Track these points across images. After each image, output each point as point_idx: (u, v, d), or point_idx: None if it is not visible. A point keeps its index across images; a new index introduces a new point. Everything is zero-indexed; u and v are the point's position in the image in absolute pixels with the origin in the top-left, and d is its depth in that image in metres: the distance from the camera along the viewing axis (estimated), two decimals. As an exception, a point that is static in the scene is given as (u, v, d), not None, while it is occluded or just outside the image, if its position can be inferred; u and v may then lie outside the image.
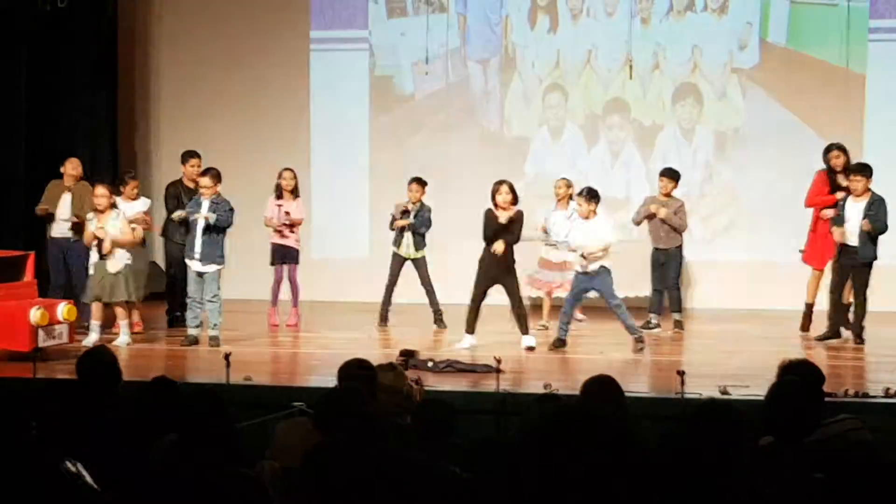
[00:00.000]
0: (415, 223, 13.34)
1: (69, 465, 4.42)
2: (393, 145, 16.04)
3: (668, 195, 13.27)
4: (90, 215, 12.07)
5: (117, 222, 11.98)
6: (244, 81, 16.17)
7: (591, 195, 11.96)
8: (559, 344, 11.74)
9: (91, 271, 12.05)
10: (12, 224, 14.20)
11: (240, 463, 5.00)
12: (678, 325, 13.15)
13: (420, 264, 13.46)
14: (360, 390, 6.04)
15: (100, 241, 11.91)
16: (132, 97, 16.60)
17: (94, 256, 12.03)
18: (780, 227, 14.57)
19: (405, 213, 13.44)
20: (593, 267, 11.75)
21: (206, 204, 12.13)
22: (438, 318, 13.38)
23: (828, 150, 12.84)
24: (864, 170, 12.19)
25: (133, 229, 12.21)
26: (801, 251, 13.02)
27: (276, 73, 16.12)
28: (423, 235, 13.45)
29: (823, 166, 12.82)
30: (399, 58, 16.04)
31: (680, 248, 13.29)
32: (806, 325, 12.79)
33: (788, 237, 13.94)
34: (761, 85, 15.29)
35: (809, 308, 12.82)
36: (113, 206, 12.10)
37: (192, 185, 13.07)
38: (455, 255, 13.71)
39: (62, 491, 3.96)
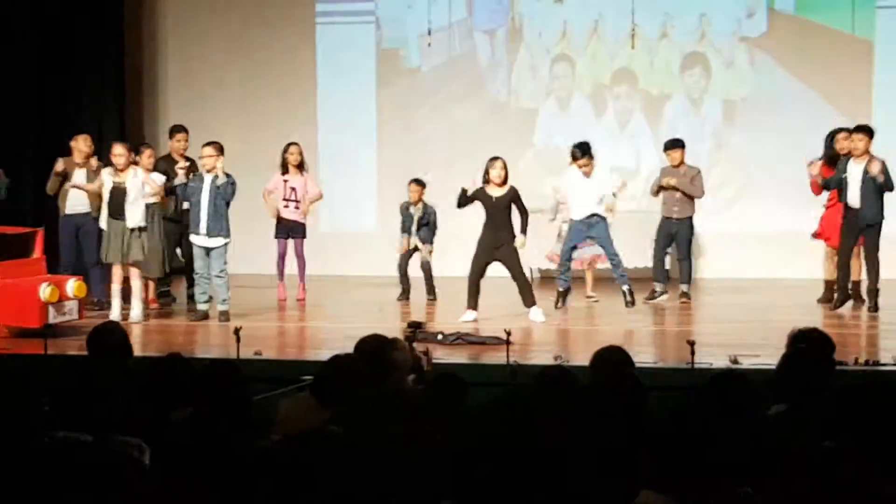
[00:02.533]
0: (423, 217, 13.35)
1: None
2: (400, 118, 16.02)
3: (680, 164, 13.22)
4: (108, 170, 12.09)
5: (137, 180, 12.00)
6: (251, 55, 16.14)
7: (585, 150, 12.11)
8: (563, 294, 11.83)
9: (105, 228, 12.03)
10: (22, 201, 14.19)
11: (255, 435, 5.02)
12: (685, 296, 13.14)
13: (424, 256, 13.48)
14: (355, 360, 6.06)
15: (115, 200, 11.92)
16: (139, 73, 16.57)
17: (104, 214, 12.03)
18: (790, 196, 14.53)
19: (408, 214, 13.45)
20: (587, 211, 11.88)
21: (208, 178, 12.10)
22: (431, 293, 13.42)
23: (837, 131, 12.66)
24: (866, 129, 12.10)
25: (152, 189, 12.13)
26: (812, 235, 12.92)
27: (282, 46, 16.08)
28: (433, 233, 13.50)
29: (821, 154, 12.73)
30: (406, 30, 16.00)
31: (691, 218, 13.25)
32: (828, 297, 12.67)
33: (798, 206, 13.90)
34: (769, 53, 15.23)
35: (829, 285, 12.69)
36: (132, 163, 12.13)
37: (179, 160, 13.08)
38: (460, 227, 13.69)
39: (73, 467, 3.97)
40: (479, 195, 11.95)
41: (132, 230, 11.93)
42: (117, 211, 11.95)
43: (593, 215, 12.02)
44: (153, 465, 4.19)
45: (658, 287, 13.20)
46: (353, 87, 16.08)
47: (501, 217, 11.88)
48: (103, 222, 12.07)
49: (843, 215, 12.13)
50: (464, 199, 11.95)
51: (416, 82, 16.07)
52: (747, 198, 15.22)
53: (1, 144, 14.40)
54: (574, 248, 12.26)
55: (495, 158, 12.08)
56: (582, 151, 12.33)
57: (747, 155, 15.26)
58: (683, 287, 13.22)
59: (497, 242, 11.87)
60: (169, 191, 12.69)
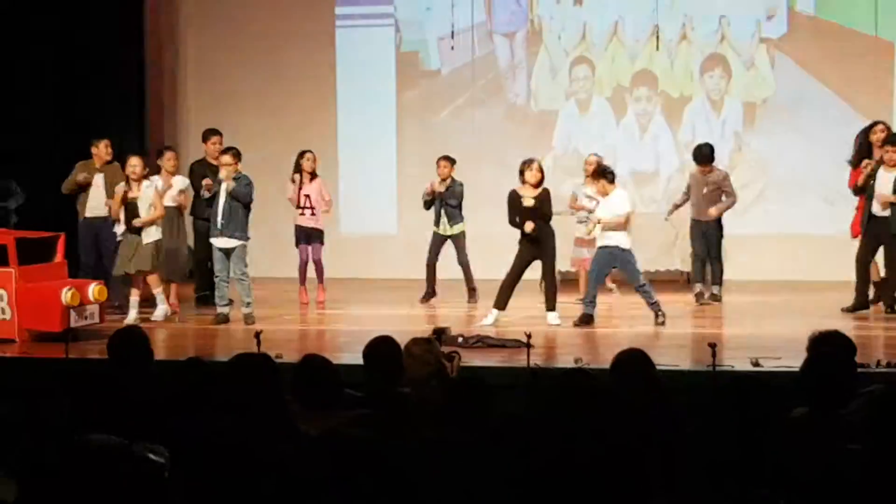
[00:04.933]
0: (445, 193, 13.34)
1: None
2: (420, 120, 16.03)
3: (710, 171, 13.19)
4: (119, 186, 12.15)
5: (149, 193, 12.04)
6: (271, 59, 16.17)
7: (598, 174, 11.98)
8: (587, 319, 11.71)
9: (120, 238, 12.09)
10: (43, 206, 14.24)
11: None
12: (715, 297, 13.12)
13: (458, 240, 13.47)
14: (325, 362, 6.06)
15: (129, 213, 11.96)
16: (160, 77, 16.62)
17: (120, 229, 12.07)
18: (811, 198, 14.50)
19: (432, 193, 13.45)
20: (611, 241, 11.74)
21: (224, 184, 12.12)
22: (472, 295, 13.41)
23: (874, 124, 12.62)
24: None
25: (155, 207, 12.16)
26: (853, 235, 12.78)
27: (302, 49, 16.11)
28: (458, 209, 13.45)
29: (854, 140, 12.66)
30: (425, 33, 16.02)
31: (719, 219, 13.26)
32: (875, 298, 12.57)
33: (819, 207, 13.86)
34: (790, 55, 15.19)
35: (876, 285, 12.58)
36: (145, 177, 12.16)
37: (215, 163, 13.14)
38: (482, 229, 13.70)
39: (95, 471, 3.97)
40: (513, 198, 11.90)
41: (147, 244, 11.98)
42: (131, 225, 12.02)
43: (617, 246, 11.83)
44: (175, 471, 4.20)
45: (702, 288, 13.17)
46: (373, 89, 16.10)
47: (536, 218, 11.85)
48: (119, 230, 12.11)
49: (866, 223, 12.04)
50: (513, 215, 11.89)
51: (436, 85, 16.08)
52: (768, 199, 15.17)
53: (22, 149, 14.46)
54: (601, 280, 12.01)
55: (531, 161, 12.00)
56: (600, 175, 12.12)
57: (768, 157, 15.22)
58: (714, 289, 13.21)
59: (539, 243, 11.82)
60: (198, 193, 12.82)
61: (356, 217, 15.95)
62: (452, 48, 15.03)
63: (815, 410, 5.23)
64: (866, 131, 12.60)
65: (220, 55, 16.39)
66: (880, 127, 12.51)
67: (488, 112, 15.86)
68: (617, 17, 15.53)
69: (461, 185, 13.50)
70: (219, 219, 12.09)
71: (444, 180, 13.46)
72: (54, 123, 15.12)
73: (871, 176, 12.02)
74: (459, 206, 13.47)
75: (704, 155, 13.22)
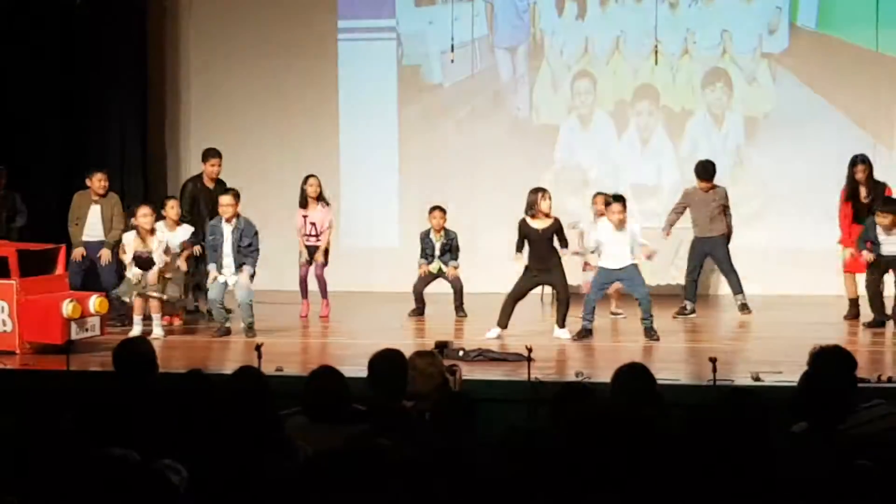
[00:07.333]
0: (445, 247, 13.41)
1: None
2: (421, 134, 16.03)
3: (710, 189, 13.22)
4: (128, 236, 12.13)
5: (159, 250, 12.05)
6: (272, 73, 16.19)
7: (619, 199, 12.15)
8: (585, 334, 11.72)
9: (129, 275, 12.12)
10: (47, 227, 14.21)
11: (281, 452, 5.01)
12: (745, 307, 13.09)
13: (452, 273, 13.50)
14: (337, 375, 6.07)
15: (142, 266, 11.99)
16: (162, 94, 16.60)
17: (133, 269, 12.08)
18: (811, 213, 14.49)
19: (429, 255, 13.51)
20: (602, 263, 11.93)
21: (227, 228, 12.11)
22: (459, 309, 13.42)
23: (852, 163, 12.76)
24: (891, 204, 12.18)
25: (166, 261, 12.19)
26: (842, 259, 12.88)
27: (304, 63, 16.12)
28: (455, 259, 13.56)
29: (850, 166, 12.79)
30: (427, 46, 16.03)
31: (723, 234, 13.27)
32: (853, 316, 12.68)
33: (819, 222, 13.87)
34: (791, 69, 15.20)
35: (855, 302, 12.70)
36: (152, 231, 12.11)
37: (210, 186, 13.09)
38: (483, 242, 13.73)
39: (97, 482, 3.98)
40: (523, 228, 11.90)
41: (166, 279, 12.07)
42: (145, 268, 12.04)
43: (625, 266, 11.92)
44: (188, 488, 4.20)
45: (688, 305, 13.18)
46: (375, 103, 16.11)
47: (546, 248, 11.86)
48: (130, 274, 12.11)
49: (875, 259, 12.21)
50: (521, 241, 11.92)
51: (438, 99, 16.08)
52: (769, 214, 15.17)
53: (26, 171, 14.45)
54: (601, 291, 12.09)
55: (543, 190, 11.98)
56: (616, 199, 12.16)
57: (769, 171, 15.21)
58: (740, 298, 13.17)
59: (543, 266, 11.84)
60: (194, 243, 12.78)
61: (357, 230, 15.93)
62: (453, 62, 15.04)
63: (815, 425, 5.23)
64: (852, 164, 12.76)
65: (221, 71, 16.38)
66: (860, 168, 12.66)
67: (490, 126, 15.86)
68: (619, 31, 15.54)
69: (455, 236, 13.54)
70: (227, 262, 12.10)
71: (438, 231, 13.49)
72: (57, 148, 15.14)
73: (873, 235, 12.14)
74: (457, 255, 13.54)
75: (708, 171, 13.25)
